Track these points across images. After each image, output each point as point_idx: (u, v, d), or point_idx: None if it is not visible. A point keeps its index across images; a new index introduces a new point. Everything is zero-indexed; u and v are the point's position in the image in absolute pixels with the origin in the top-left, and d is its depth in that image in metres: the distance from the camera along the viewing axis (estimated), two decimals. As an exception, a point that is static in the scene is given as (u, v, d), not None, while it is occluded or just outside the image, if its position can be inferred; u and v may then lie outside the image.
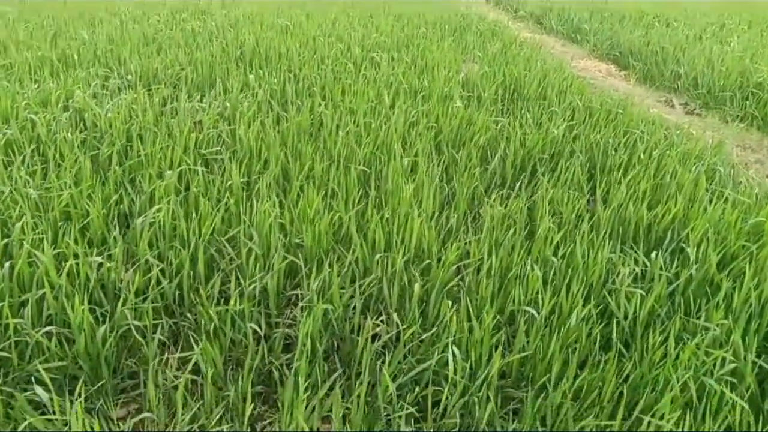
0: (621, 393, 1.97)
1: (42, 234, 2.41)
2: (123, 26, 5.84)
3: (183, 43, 5.40)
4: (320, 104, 4.15)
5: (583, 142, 3.86)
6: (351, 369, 2.13)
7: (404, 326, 2.16)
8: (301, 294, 2.44)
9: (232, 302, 2.19)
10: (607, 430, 1.85)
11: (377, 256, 2.52)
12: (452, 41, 6.37)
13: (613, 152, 3.74)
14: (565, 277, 2.46)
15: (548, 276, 2.50)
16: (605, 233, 2.83)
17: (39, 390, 1.78)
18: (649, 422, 1.81)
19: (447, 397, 1.93)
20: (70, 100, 3.80)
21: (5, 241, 2.34)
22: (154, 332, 2.16)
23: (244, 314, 2.20)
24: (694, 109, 5.32)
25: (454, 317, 2.16)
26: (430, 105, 4.23)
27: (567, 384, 1.93)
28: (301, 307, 2.31)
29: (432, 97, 4.42)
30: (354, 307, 2.31)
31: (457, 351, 2.01)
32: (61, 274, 2.20)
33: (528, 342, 2.15)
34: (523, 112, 4.38)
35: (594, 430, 1.83)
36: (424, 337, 2.16)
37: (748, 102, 5.03)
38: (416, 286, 2.32)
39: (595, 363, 2.12)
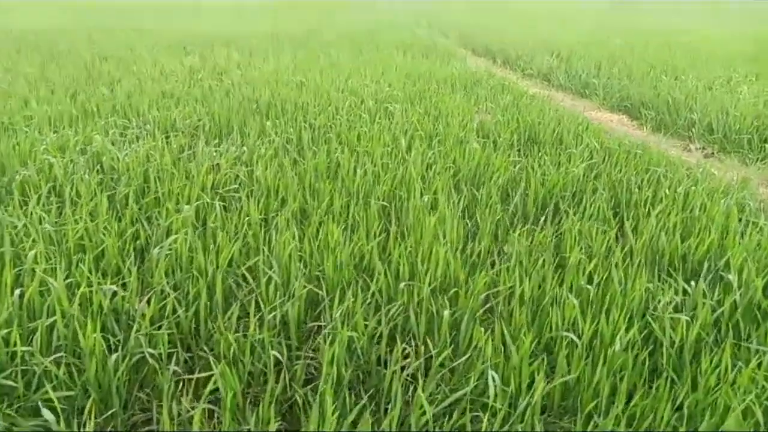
0: (676, 419, 1.79)
1: (55, 264, 2.32)
2: (141, 84, 5.98)
3: (200, 97, 5.50)
4: (336, 149, 4.14)
5: (604, 179, 3.80)
6: (379, 401, 1.97)
7: (435, 351, 2.02)
8: (324, 324, 2.30)
9: (251, 329, 2.06)
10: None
11: (402, 285, 2.40)
12: (463, 95, 6.46)
13: (637, 189, 3.66)
14: (603, 305, 2.32)
15: (584, 305, 2.37)
16: (640, 262, 2.70)
17: (46, 413, 1.63)
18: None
19: (487, 426, 1.76)
20: (89, 146, 3.81)
21: (18, 269, 2.25)
22: (169, 363, 2.03)
23: (264, 344, 2.07)
24: (712, 153, 5.28)
25: (489, 342, 2.01)
26: (446, 148, 4.21)
27: (618, 410, 1.76)
28: (324, 337, 2.17)
29: (447, 141, 4.41)
30: (380, 336, 2.17)
31: (496, 376, 1.86)
32: (73, 303, 2.09)
33: (570, 370, 1.99)
34: (540, 154, 4.35)
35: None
36: (456, 363, 2.01)
37: (767, 144, 4.99)
38: (446, 313, 2.19)
39: (645, 390, 1.95)
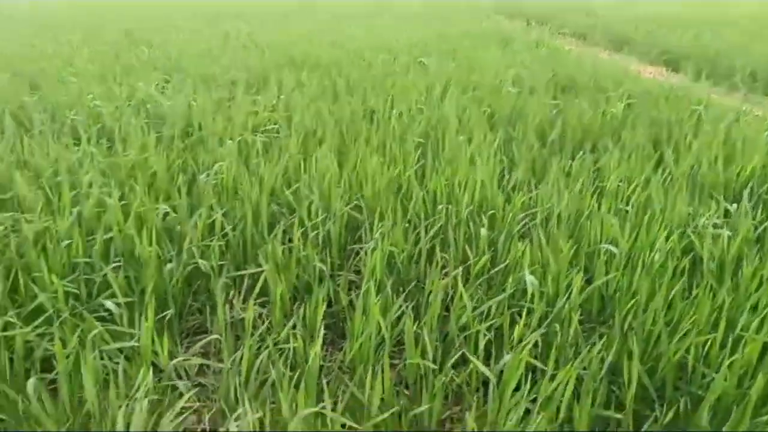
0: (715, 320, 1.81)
1: (109, 190, 2.44)
2: (179, 45, 6.11)
3: (237, 55, 5.59)
4: (371, 97, 4.17)
5: (644, 118, 3.74)
6: (419, 307, 2.03)
7: (474, 259, 2.07)
8: (364, 247, 2.37)
9: (296, 242, 2.14)
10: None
11: (440, 207, 2.44)
12: (497, 50, 6.39)
13: (677, 127, 3.60)
14: (642, 223, 2.33)
15: (623, 223, 2.37)
16: (680, 186, 2.68)
17: (109, 303, 1.75)
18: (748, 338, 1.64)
19: (525, 323, 1.80)
20: (133, 96, 3.94)
21: (74, 192, 2.39)
22: (220, 273, 2.13)
23: (308, 258, 2.15)
24: (755, 99, 5.13)
25: (527, 251, 2.05)
26: (481, 93, 4.20)
27: (656, 311, 1.78)
28: (366, 251, 2.24)
29: (482, 89, 4.40)
30: (419, 254, 2.22)
31: (533, 278, 1.90)
32: (128, 220, 2.21)
33: (608, 276, 2.01)
34: (578, 100, 4.30)
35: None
36: (494, 271, 2.06)
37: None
38: (483, 230, 2.23)
39: (685, 297, 1.96)
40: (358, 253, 2.41)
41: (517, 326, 1.74)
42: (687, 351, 1.68)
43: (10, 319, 1.70)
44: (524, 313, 1.77)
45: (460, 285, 1.75)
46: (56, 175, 2.58)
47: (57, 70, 4.66)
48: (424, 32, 7.33)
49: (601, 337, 1.85)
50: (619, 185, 2.73)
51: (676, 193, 2.58)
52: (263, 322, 1.95)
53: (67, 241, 2.06)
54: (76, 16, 9.19)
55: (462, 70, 5.08)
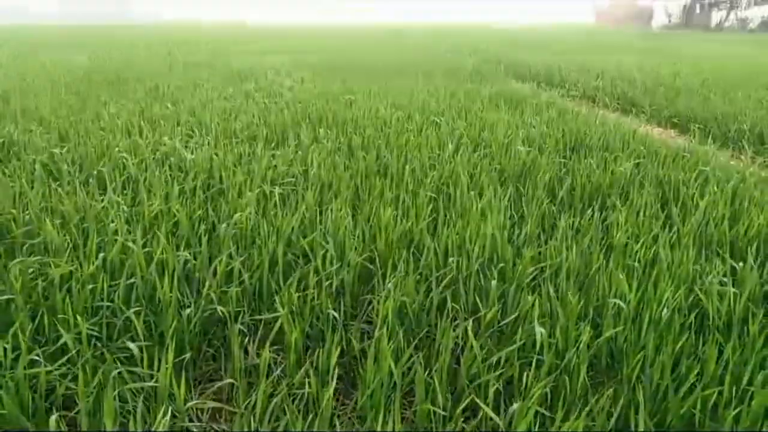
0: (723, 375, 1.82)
1: (133, 237, 2.55)
2: (202, 103, 6.38)
3: (257, 112, 5.82)
4: (385, 153, 4.32)
5: (651, 177, 3.83)
6: (430, 356, 2.07)
7: (484, 312, 2.11)
8: (376, 297, 2.43)
9: (310, 290, 2.21)
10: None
11: (450, 259, 2.51)
12: (508, 110, 6.59)
13: (684, 187, 3.68)
14: (650, 279, 2.37)
15: (630, 279, 2.42)
16: (687, 244, 2.74)
17: (131, 345, 1.81)
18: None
19: (533, 376, 1.83)
20: (158, 150, 4.11)
21: (100, 238, 2.49)
22: (236, 319, 2.19)
23: (322, 306, 2.21)
24: (764, 161, 5.21)
25: (537, 304, 2.10)
26: (492, 151, 4.33)
27: (666, 358, 1.80)
28: (378, 300, 2.29)
29: (493, 146, 4.53)
30: (431, 303, 2.28)
31: (542, 330, 1.94)
32: (150, 266, 2.30)
33: (616, 329, 2.05)
34: (586, 159, 4.41)
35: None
36: (504, 323, 2.10)
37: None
38: (493, 283, 2.29)
39: (692, 352, 1.99)
40: (370, 303, 2.47)
41: (526, 376, 1.77)
42: (694, 405, 1.69)
43: (36, 358, 1.77)
44: (533, 364, 1.81)
45: (471, 335, 1.80)
46: (83, 222, 2.69)
47: (85, 123, 4.88)
48: (437, 92, 7.59)
49: (609, 389, 1.87)
50: (627, 242, 2.80)
51: (683, 250, 2.63)
52: (277, 368, 1.99)
53: (91, 285, 2.14)
54: (106, 71, 9.62)
55: (473, 129, 5.25)
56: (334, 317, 2.18)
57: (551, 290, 2.15)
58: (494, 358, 1.88)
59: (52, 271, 2.18)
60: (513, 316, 2.09)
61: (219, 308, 2.16)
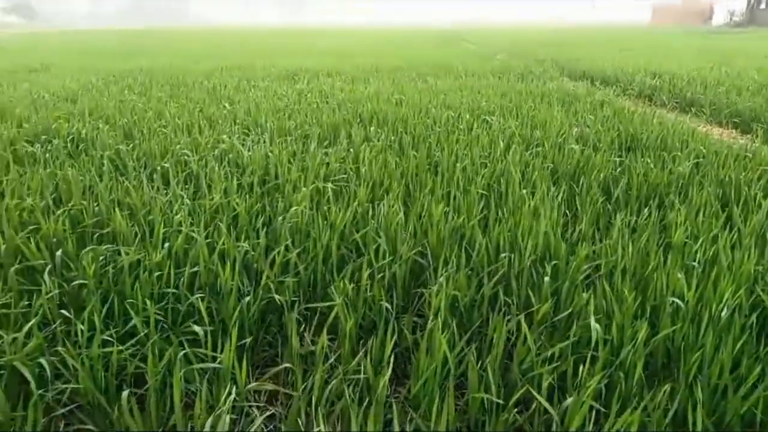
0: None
1: (195, 228, 2.67)
2: (258, 102, 6.56)
3: (310, 112, 5.95)
4: (435, 151, 4.34)
5: (711, 177, 3.71)
6: (481, 348, 2.09)
7: (538, 306, 2.11)
8: (428, 291, 2.46)
9: (363, 281, 2.26)
10: None
11: (502, 255, 2.52)
12: (561, 109, 6.49)
13: (746, 188, 3.55)
14: (709, 279, 2.31)
15: (689, 278, 2.36)
16: (748, 245, 2.64)
17: (197, 328, 1.91)
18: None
19: (589, 371, 1.82)
20: (217, 147, 4.27)
21: (165, 229, 2.62)
22: (292, 308, 2.27)
23: (375, 298, 2.26)
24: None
25: (591, 301, 2.08)
26: (544, 149, 4.29)
27: (724, 357, 1.76)
28: (430, 294, 2.32)
29: (545, 144, 4.49)
30: (482, 298, 2.29)
31: (598, 326, 1.93)
32: (212, 256, 2.40)
33: (674, 328, 2.01)
34: (643, 158, 4.31)
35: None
36: (558, 318, 2.09)
37: None
38: (546, 279, 2.28)
39: (753, 352, 1.93)
40: (421, 296, 2.50)
41: (581, 371, 1.77)
42: (755, 405, 1.65)
43: (108, 338, 1.88)
44: (588, 360, 1.80)
45: (525, 328, 1.81)
46: (149, 213, 2.83)
47: (148, 121, 5.11)
48: (487, 92, 7.55)
49: (665, 386, 1.84)
50: (685, 241, 2.73)
51: (744, 251, 2.54)
52: (331, 356, 2.05)
53: (157, 273, 2.26)
54: (166, 76, 10.00)
55: (525, 127, 5.20)
56: (387, 309, 2.23)
57: (607, 288, 2.13)
58: (548, 353, 1.88)
59: (122, 258, 2.31)
60: (567, 312, 2.08)
61: (276, 297, 2.24)
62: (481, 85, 8.25)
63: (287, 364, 1.91)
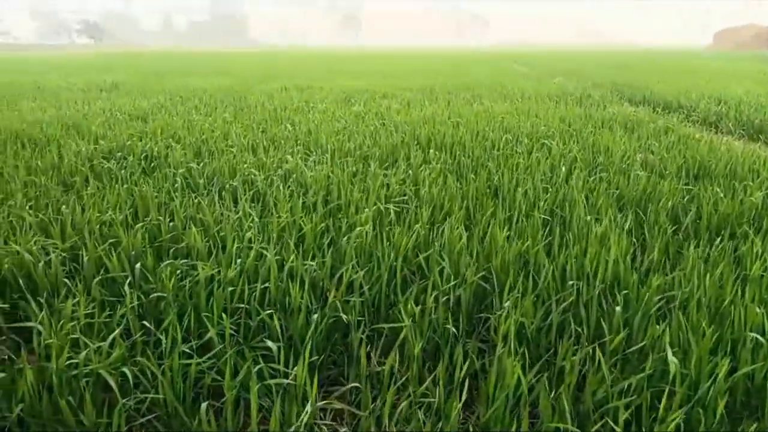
0: None
1: (264, 244, 2.75)
2: (317, 124, 6.72)
3: (368, 134, 6.05)
4: (496, 172, 4.33)
5: (789, 208, 3.55)
6: (552, 376, 2.05)
7: (611, 336, 2.07)
8: (492, 315, 2.44)
9: (428, 303, 2.27)
10: None
11: (570, 282, 2.48)
12: (623, 135, 6.36)
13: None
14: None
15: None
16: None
17: (270, 344, 1.96)
18: None
19: (665, 407, 1.76)
20: (281, 167, 4.39)
21: (237, 245, 2.71)
22: (357, 328, 2.30)
23: (439, 321, 2.26)
24: None
25: (666, 333, 2.02)
26: (608, 175, 4.21)
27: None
28: (497, 318, 2.31)
29: (609, 170, 4.40)
30: (550, 325, 2.26)
31: (675, 360, 1.87)
32: (282, 272, 2.47)
33: (755, 365, 1.92)
34: (712, 186, 4.17)
35: None
36: (631, 350, 2.04)
37: None
38: (617, 309, 2.23)
39: None
40: (485, 321, 2.48)
41: (659, 406, 1.71)
42: None
43: (187, 350, 1.96)
44: (665, 394, 1.74)
45: (601, 358, 1.77)
46: (221, 230, 2.94)
47: (216, 141, 5.32)
48: (545, 116, 7.48)
49: (750, 426, 1.76)
50: (762, 274, 2.61)
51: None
52: (398, 377, 2.06)
53: (231, 288, 2.34)
54: (231, 98, 10.37)
55: (587, 152, 5.12)
56: (454, 333, 2.22)
57: (683, 321, 2.06)
58: (624, 384, 1.83)
59: (196, 273, 2.40)
60: (641, 344, 2.02)
61: (343, 316, 2.27)
62: (538, 109, 8.18)
63: (356, 384, 1.93)
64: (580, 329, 2.20)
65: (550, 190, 3.88)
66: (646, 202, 3.76)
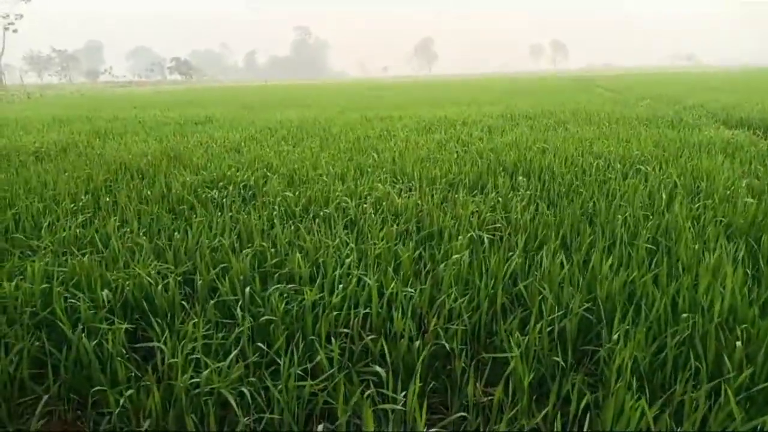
0: None
1: (362, 270, 2.81)
2: (401, 153, 6.83)
3: (452, 160, 6.08)
4: (590, 199, 4.22)
5: None
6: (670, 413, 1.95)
7: (733, 374, 1.94)
8: (598, 348, 2.36)
9: (533, 335, 2.23)
10: None
11: (683, 315, 2.36)
12: (723, 159, 6.02)
13: None
14: None
15: None
16: None
17: (377, 368, 1.99)
18: None
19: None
20: (370, 195, 4.50)
21: (337, 272, 2.79)
22: (459, 356, 2.29)
23: (543, 352, 2.22)
24: None
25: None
26: (714, 202, 4.00)
27: None
28: (605, 352, 2.23)
29: (714, 197, 4.18)
30: (665, 359, 2.16)
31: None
32: (382, 299, 2.51)
33: None
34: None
35: None
36: (759, 388, 1.91)
37: None
38: (738, 343, 2.10)
39: None
40: (592, 354, 2.40)
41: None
42: None
43: (300, 373, 2.03)
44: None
45: (731, 396, 1.67)
46: (320, 257, 3.03)
47: (306, 170, 5.52)
48: (637, 140, 7.22)
49: None
50: None
51: None
52: (506, 409, 2.02)
53: (335, 313, 2.40)
54: (316, 129, 10.75)
55: (686, 178, 4.89)
56: (562, 365, 2.17)
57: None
58: (755, 424, 1.71)
59: (301, 297, 2.49)
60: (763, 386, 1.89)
61: (446, 344, 2.27)
62: (628, 134, 7.91)
63: (463, 414, 1.92)
64: (698, 364, 2.09)
65: (651, 217, 3.73)
66: (757, 231, 3.53)
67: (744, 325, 2.31)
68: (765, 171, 5.37)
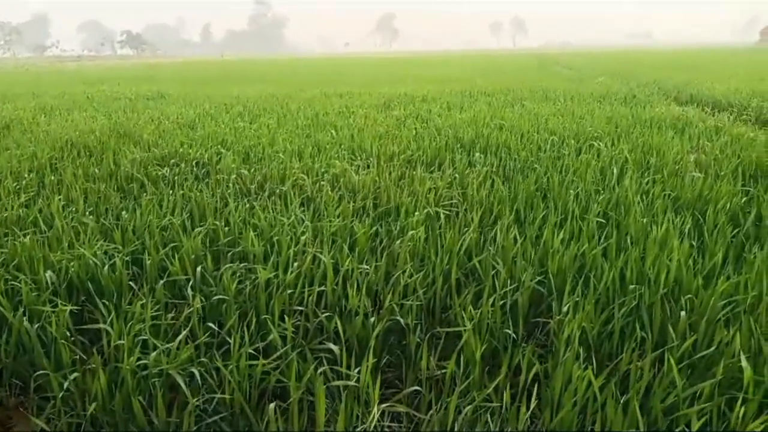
0: None
1: (318, 248, 2.78)
2: (360, 130, 6.77)
3: (411, 137, 6.06)
4: (544, 175, 4.28)
5: None
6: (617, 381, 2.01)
7: (674, 344, 2.01)
8: (548, 320, 2.41)
9: (485, 309, 2.25)
10: None
11: (631, 287, 2.42)
12: (673, 135, 6.19)
13: None
14: None
15: None
16: None
17: (332, 347, 1.98)
18: None
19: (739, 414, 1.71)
20: (327, 172, 4.44)
21: (292, 249, 2.75)
22: (414, 331, 2.30)
23: (496, 324, 2.24)
24: None
25: (737, 338, 1.96)
26: (662, 176, 4.11)
27: None
28: (555, 323, 2.28)
29: (663, 172, 4.29)
30: (612, 330, 2.21)
31: (748, 366, 1.80)
32: (337, 277, 2.49)
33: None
34: (772, 187, 4.01)
35: None
36: (699, 355, 1.98)
37: None
38: (682, 314, 2.17)
39: None
40: (543, 326, 2.45)
41: (729, 415, 1.66)
42: None
43: (253, 352, 2.00)
44: (739, 402, 1.69)
45: (674, 365, 1.73)
46: (275, 234, 2.98)
47: (263, 147, 5.41)
48: (591, 117, 7.35)
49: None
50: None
51: None
52: (458, 382, 2.05)
53: (289, 291, 2.37)
54: (273, 105, 10.54)
55: (637, 153, 5.01)
56: (513, 337, 2.20)
57: (754, 325, 1.99)
58: (695, 390, 1.78)
59: (255, 276, 2.44)
60: (711, 349, 1.96)
61: (401, 319, 2.28)
62: (583, 111, 8.04)
63: (417, 388, 1.93)
64: (644, 334, 2.15)
65: (602, 192, 3.81)
66: (703, 204, 3.65)
67: (688, 296, 2.38)
68: (712, 146, 5.55)
